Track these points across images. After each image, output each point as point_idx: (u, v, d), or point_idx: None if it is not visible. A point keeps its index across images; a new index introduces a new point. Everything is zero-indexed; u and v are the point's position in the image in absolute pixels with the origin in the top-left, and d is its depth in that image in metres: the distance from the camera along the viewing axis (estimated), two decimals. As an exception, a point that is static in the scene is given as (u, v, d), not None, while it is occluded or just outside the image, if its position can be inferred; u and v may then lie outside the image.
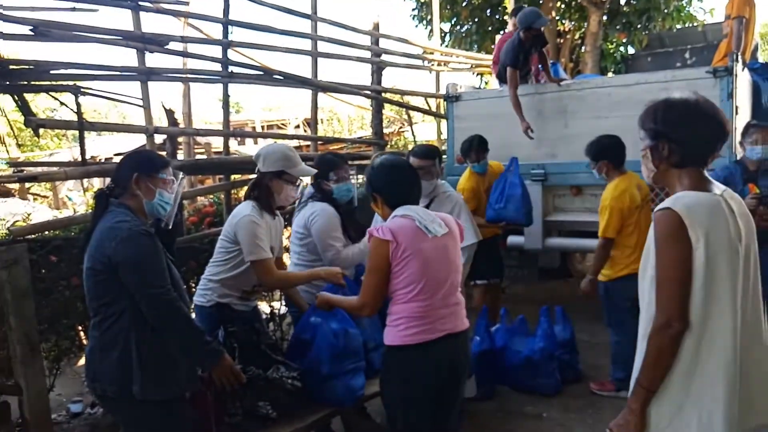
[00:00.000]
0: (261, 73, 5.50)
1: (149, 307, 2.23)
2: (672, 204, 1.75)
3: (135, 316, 2.26)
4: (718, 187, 1.84)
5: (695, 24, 11.47)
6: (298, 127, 15.61)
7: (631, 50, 11.78)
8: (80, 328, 4.32)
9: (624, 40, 11.87)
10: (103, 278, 2.26)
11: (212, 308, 3.07)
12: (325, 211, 3.39)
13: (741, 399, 1.75)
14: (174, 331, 2.31)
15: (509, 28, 7.22)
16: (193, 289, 3.91)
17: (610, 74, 11.21)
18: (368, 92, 7.25)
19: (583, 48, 11.54)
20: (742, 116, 5.06)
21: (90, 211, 5.25)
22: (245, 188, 6.18)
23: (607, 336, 4.25)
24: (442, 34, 12.09)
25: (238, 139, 14.85)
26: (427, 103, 8.95)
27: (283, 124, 16.57)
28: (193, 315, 2.97)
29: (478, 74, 10.88)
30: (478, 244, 4.15)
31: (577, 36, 12.53)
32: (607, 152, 4.03)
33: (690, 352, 1.75)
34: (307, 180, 3.58)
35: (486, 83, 10.85)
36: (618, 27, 11.58)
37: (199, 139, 9.88)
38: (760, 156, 4.37)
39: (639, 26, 11.27)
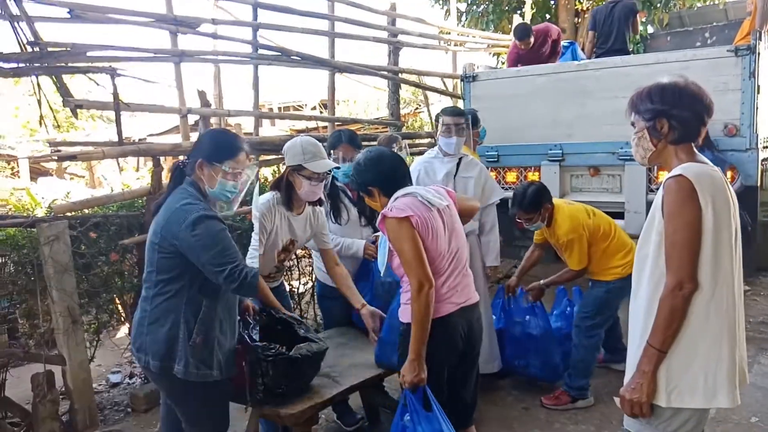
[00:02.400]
0: (279, 54, 5.54)
1: (225, 282, 2.25)
2: (683, 171, 1.85)
3: (191, 295, 2.32)
4: (708, 163, 1.96)
5: (716, 2, 11.31)
6: (314, 108, 15.63)
7: (650, 29, 11.64)
8: (119, 301, 4.48)
9: (643, 20, 11.71)
10: (169, 256, 2.31)
11: None
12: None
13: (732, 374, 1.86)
14: (254, 294, 2.56)
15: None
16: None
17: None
18: (385, 72, 7.24)
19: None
20: (764, 95, 5.00)
21: (126, 189, 5.38)
22: (266, 168, 6.14)
23: (624, 315, 4.24)
24: (459, 14, 11.96)
25: (283, 149, 14.70)
26: (443, 83, 8.93)
27: (300, 106, 16.60)
28: None
29: (494, 54, 10.81)
30: None
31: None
32: (545, 196, 3.81)
33: (701, 313, 1.84)
34: None
35: (503, 63, 10.80)
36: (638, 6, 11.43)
37: (229, 120, 9.98)
38: None
39: (659, 5, 11.11)
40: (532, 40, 6.95)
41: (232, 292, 2.36)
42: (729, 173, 4.88)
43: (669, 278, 1.85)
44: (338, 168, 3.29)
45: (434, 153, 4.06)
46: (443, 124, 3.89)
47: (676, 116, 1.92)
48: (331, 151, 3.43)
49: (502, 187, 5.43)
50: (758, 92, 4.89)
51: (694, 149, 1.97)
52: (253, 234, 3.02)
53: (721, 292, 1.85)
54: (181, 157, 2.63)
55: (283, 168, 3.27)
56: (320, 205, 3.24)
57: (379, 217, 2.47)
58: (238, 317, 2.62)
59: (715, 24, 8.96)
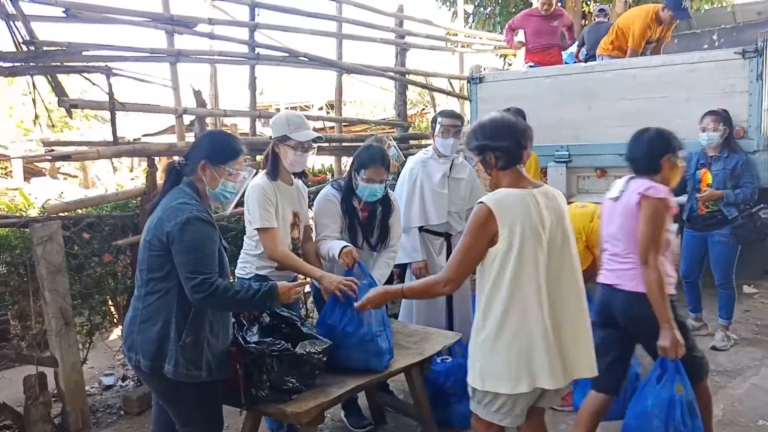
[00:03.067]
0: (286, 54, 5.53)
1: (192, 290, 2.26)
2: (486, 198, 2.25)
3: (181, 295, 2.31)
4: (535, 185, 2.34)
5: (724, 5, 11.18)
6: (321, 108, 15.62)
7: (657, 32, 11.53)
8: (111, 303, 4.44)
9: (651, 22, 11.63)
10: (159, 254, 2.32)
11: (251, 280, 3.16)
12: (324, 195, 3.48)
13: (558, 358, 2.24)
14: (224, 308, 2.43)
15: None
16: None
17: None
18: (392, 74, 7.25)
19: (608, 29, 11.34)
20: None
21: (120, 190, 5.36)
22: None
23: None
24: (466, 16, 11.97)
25: (263, 120, 14.93)
26: (450, 84, 8.91)
27: (306, 106, 16.60)
28: None
29: (501, 56, 10.77)
30: None
31: (602, 17, 12.31)
32: None
33: (500, 312, 2.23)
34: None
35: (509, 65, 10.74)
36: (644, 8, 11.34)
37: (225, 120, 9.97)
38: (706, 142, 4.62)
39: (666, 8, 11.01)
40: (554, 7, 7.08)
41: (196, 303, 2.30)
42: None
43: (443, 272, 2.36)
44: (320, 138, 3.30)
45: (429, 153, 4.15)
46: (441, 126, 4.01)
47: (498, 147, 2.29)
48: (361, 170, 3.34)
49: None
50: (766, 94, 4.82)
51: (522, 173, 2.34)
52: (253, 215, 3.07)
53: (522, 294, 2.22)
54: (176, 158, 2.61)
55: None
56: (304, 178, 3.40)
57: (635, 197, 2.73)
58: (233, 319, 2.60)
59: (723, 26, 8.85)
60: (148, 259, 2.35)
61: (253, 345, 2.57)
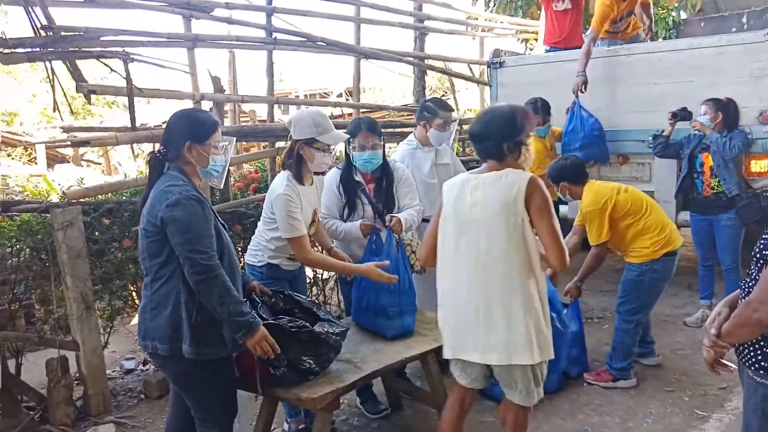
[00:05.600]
0: (304, 39, 5.50)
1: (190, 270, 2.27)
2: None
3: (185, 276, 2.32)
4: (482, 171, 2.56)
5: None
6: (340, 95, 15.58)
7: (683, 15, 11.28)
8: (132, 288, 4.48)
9: (676, 5, 11.34)
10: (156, 239, 2.33)
11: (263, 267, 3.20)
12: (327, 176, 3.45)
13: (458, 335, 2.55)
14: (211, 297, 2.29)
15: None
16: (239, 253, 4.02)
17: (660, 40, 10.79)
18: (411, 59, 7.17)
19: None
20: None
21: (140, 175, 5.39)
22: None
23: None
24: (486, 0, 11.81)
25: (282, 107, 14.96)
26: (470, 69, 8.81)
27: (325, 93, 16.57)
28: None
29: (522, 40, 10.62)
30: None
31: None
32: (563, 174, 3.95)
33: (438, 278, 2.63)
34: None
35: (531, 49, 10.58)
36: (670, -9, 11.07)
37: (243, 106, 9.96)
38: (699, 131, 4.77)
39: (692, -10, 10.74)
40: None
41: (192, 284, 2.29)
42: (763, 161, 4.77)
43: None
44: (349, 139, 3.32)
45: (414, 143, 4.09)
46: (441, 119, 3.95)
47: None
48: (351, 139, 3.43)
49: None
50: None
51: (492, 163, 2.53)
52: (281, 225, 3.03)
53: (443, 266, 2.58)
54: (153, 147, 2.59)
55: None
56: (324, 174, 3.37)
57: None
58: (244, 298, 2.59)
59: (752, 9, 8.60)
60: (147, 246, 2.36)
61: (271, 320, 2.58)
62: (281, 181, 3.08)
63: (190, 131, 2.43)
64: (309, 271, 4.60)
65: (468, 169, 3.97)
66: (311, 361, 2.61)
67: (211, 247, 2.32)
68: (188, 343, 2.33)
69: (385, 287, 3.15)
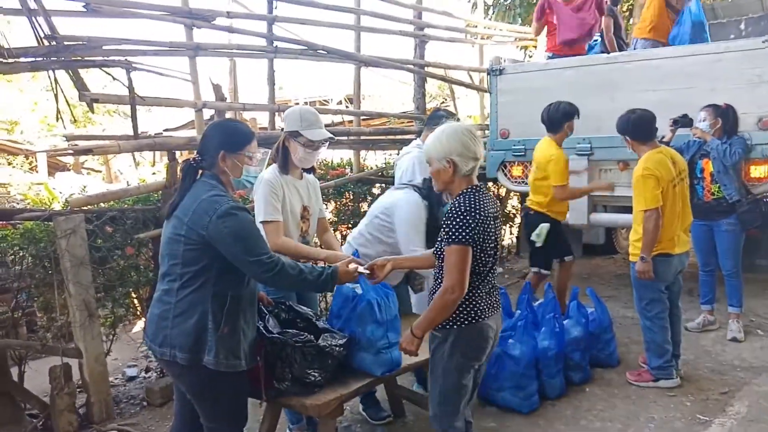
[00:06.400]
0: (305, 48, 5.53)
1: (260, 271, 2.32)
2: None
3: (217, 287, 2.33)
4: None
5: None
6: (340, 103, 15.63)
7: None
8: (135, 296, 4.48)
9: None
10: (195, 248, 2.31)
11: None
12: (416, 204, 3.35)
13: None
14: (290, 282, 2.43)
15: None
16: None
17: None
18: (411, 66, 7.20)
19: (631, 21, 11.17)
20: None
21: (142, 183, 5.41)
22: None
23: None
24: (486, 7, 11.86)
25: (282, 115, 15.00)
26: (470, 77, 8.85)
27: (325, 101, 16.62)
28: None
29: (522, 48, 10.67)
30: (557, 224, 4.68)
31: (625, 8, 12.12)
32: (628, 127, 3.95)
33: None
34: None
35: (530, 56, 10.63)
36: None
37: (244, 115, 10.01)
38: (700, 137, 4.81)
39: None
40: None
41: (265, 283, 2.42)
42: (762, 167, 4.80)
43: None
44: (332, 139, 3.25)
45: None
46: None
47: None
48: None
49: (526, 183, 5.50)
50: None
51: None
52: (258, 208, 3.08)
53: None
54: (190, 155, 2.63)
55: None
56: (313, 173, 3.37)
57: None
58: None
59: (750, 15, 8.64)
60: (183, 253, 2.33)
61: (277, 335, 2.59)
62: (268, 170, 3.15)
63: (224, 140, 2.45)
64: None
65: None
66: (316, 374, 2.62)
67: (267, 247, 2.40)
68: (212, 354, 2.32)
69: (370, 318, 2.80)
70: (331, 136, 3.23)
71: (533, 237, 4.71)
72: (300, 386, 2.61)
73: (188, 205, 2.35)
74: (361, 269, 2.67)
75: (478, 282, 2.47)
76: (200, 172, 2.47)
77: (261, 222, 3.06)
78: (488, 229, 2.41)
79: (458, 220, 2.36)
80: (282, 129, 3.28)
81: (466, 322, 2.46)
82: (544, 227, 4.66)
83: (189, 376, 2.41)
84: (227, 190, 2.44)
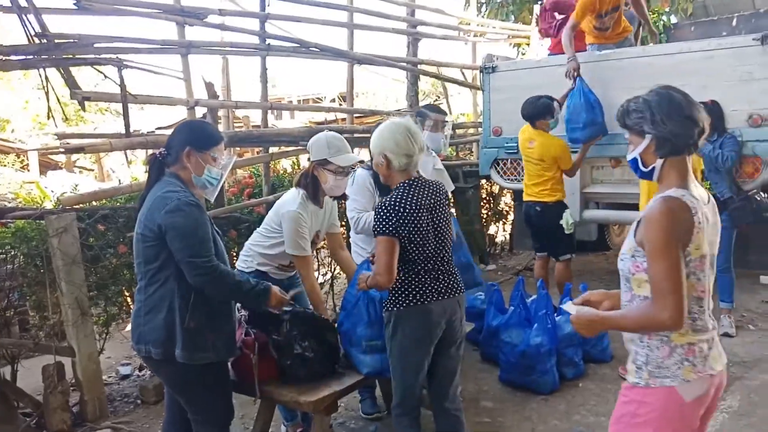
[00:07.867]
0: (297, 45, 5.52)
1: (194, 274, 2.31)
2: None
3: (180, 282, 2.35)
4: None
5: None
6: (333, 101, 15.63)
7: (674, 20, 11.37)
8: (127, 294, 4.47)
9: (667, 9, 11.44)
10: (153, 244, 2.35)
11: (251, 274, 3.19)
12: (360, 176, 3.45)
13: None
14: (222, 293, 2.43)
15: None
16: (234, 258, 4.03)
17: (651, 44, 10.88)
18: (404, 64, 7.20)
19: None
20: None
21: (134, 182, 5.39)
22: (282, 161, 6.26)
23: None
24: (479, 5, 11.86)
25: (275, 113, 15.00)
26: (463, 74, 8.85)
27: (318, 99, 16.62)
28: None
29: (514, 45, 10.68)
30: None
31: (618, 5, 12.16)
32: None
33: None
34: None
35: (523, 54, 10.64)
36: (661, -5, 11.15)
37: (237, 112, 9.99)
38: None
39: (682, -6, 10.82)
40: None
41: (199, 287, 2.35)
42: (752, 164, 4.79)
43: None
44: (362, 162, 3.35)
45: None
46: (433, 121, 4.08)
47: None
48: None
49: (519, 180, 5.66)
50: None
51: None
52: (288, 240, 3.06)
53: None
54: (155, 151, 2.63)
55: (301, 160, 3.30)
56: (344, 200, 3.34)
57: None
58: (269, 309, 2.65)
59: (741, 13, 8.69)
60: (143, 251, 2.39)
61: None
62: (294, 197, 3.10)
63: (192, 137, 2.48)
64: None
65: (465, 174, 4.03)
66: (306, 345, 2.72)
67: (211, 251, 2.37)
68: (181, 348, 2.35)
69: (364, 318, 2.84)
70: (361, 159, 3.26)
71: (563, 225, 4.78)
72: (302, 362, 2.70)
73: (147, 202, 2.41)
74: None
75: (416, 267, 2.57)
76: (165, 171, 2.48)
77: (292, 255, 3.09)
78: (419, 221, 2.52)
79: (382, 214, 2.51)
80: (275, 126, 3.28)
81: (405, 304, 2.55)
82: (568, 213, 4.80)
83: (164, 370, 2.47)
84: (187, 188, 2.44)
